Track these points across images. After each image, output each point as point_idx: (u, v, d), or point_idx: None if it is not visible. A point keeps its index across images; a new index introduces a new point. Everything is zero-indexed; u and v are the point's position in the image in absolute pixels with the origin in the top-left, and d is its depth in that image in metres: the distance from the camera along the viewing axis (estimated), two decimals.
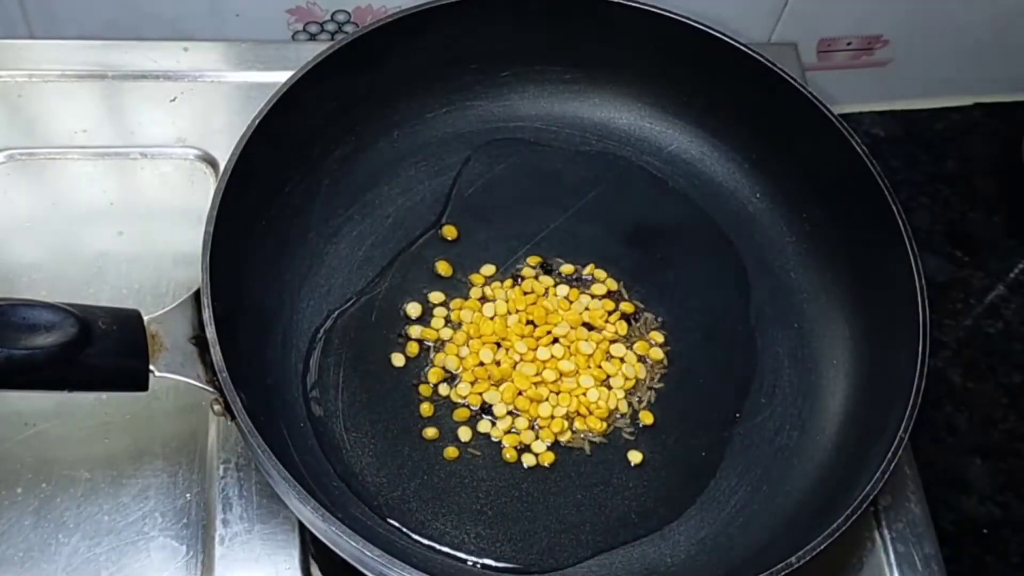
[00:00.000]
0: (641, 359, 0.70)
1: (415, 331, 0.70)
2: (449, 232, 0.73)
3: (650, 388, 0.69)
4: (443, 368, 0.68)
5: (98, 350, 0.55)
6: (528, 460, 0.66)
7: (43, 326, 0.54)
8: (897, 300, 0.65)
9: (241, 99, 0.79)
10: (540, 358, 0.69)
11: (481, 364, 0.68)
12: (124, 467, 0.65)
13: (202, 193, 0.74)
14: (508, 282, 0.72)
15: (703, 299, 0.72)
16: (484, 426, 0.67)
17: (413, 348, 0.69)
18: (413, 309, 0.70)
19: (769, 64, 0.71)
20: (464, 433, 0.67)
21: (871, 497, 0.57)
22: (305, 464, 0.63)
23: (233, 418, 0.57)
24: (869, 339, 0.68)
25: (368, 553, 0.54)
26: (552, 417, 0.67)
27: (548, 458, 0.66)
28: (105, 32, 0.81)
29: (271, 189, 0.69)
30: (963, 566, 0.74)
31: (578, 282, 0.73)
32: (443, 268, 0.72)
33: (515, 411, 0.67)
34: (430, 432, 0.66)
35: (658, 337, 0.71)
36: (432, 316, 0.70)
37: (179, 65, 0.80)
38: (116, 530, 0.63)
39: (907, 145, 0.92)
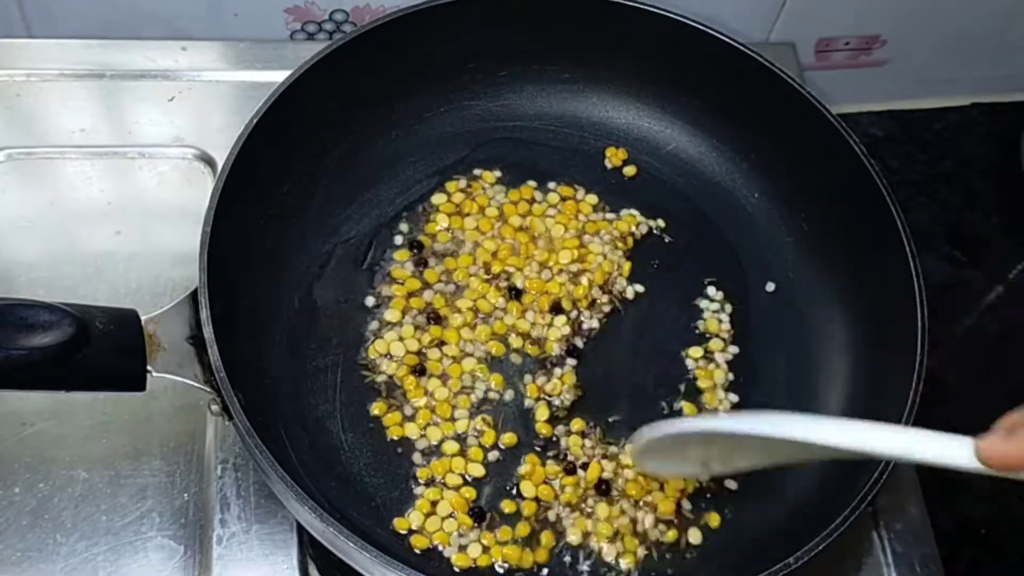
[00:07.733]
0: None
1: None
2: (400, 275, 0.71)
3: None
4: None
5: (95, 350, 0.55)
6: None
7: (41, 326, 0.53)
8: (896, 300, 0.65)
9: (239, 98, 0.78)
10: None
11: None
12: (122, 467, 0.65)
13: (200, 193, 0.74)
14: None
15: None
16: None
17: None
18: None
19: (767, 64, 0.71)
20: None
21: (869, 498, 0.57)
22: (303, 464, 0.62)
23: (231, 418, 0.57)
24: (868, 339, 0.68)
25: (366, 553, 0.54)
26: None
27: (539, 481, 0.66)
28: (103, 32, 0.80)
29: (269, 189, 0.69)
30: (961, 567, 0.74)
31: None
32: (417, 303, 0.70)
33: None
34: None
35: None
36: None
37: (177, 64, 0.80)
38: (114, 530, 0.63)
39: (905, 145, 0.92)
